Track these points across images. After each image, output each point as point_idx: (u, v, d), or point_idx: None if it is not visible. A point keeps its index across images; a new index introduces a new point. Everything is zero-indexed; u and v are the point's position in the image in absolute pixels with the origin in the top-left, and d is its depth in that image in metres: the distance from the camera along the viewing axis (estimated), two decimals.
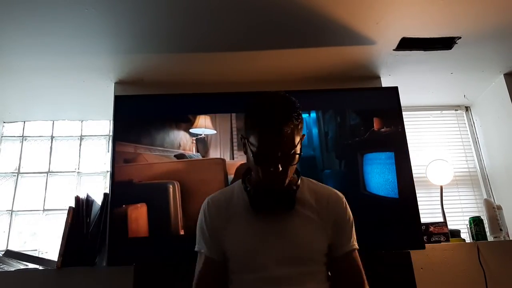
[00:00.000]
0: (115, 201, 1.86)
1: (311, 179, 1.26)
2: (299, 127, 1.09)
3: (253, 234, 1.12)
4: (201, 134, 1.73)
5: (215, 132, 1.76)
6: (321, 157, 1.70)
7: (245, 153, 1.14)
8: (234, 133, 1.79)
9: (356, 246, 1.18)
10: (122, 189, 1.85)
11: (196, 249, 1.20)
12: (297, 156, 1.08)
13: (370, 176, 1.65)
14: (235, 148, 1.76)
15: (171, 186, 1.64)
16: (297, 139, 1.07)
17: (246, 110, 1.12)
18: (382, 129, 1.62)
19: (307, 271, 1.10)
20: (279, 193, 1.12)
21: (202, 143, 1.71)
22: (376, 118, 1.67)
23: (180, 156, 1.69)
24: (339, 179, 1.59)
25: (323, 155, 1.71)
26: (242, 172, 1.23)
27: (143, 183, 1.73)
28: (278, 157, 1.04)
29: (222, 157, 1.72)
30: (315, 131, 1.74)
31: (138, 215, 1.74)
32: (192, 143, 1.71)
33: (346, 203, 1.21)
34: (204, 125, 1.75)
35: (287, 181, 1.10)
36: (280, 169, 1.05)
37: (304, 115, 1.60)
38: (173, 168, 1.70)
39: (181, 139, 1.73)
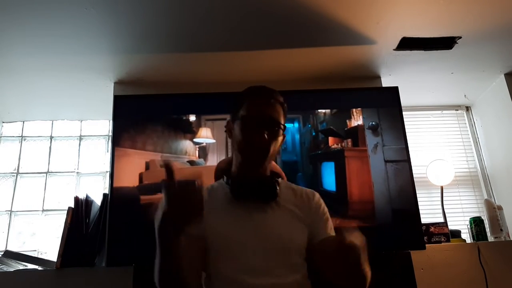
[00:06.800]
0: (115, 201, 1.87)
1: (286, 181, 1.31)
2: (284, 109, 1.20)
3: (232, 223, 1.11)
4: (202, 143, 2.07)
5: (214, 141, 2.07)
6: (301, 162, 2.10)
7: (230, 136, 1.22)
8: (229, 139, 2.04)
9: (333, 234, 1.18)
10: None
11: None
12: (281, 134, 1.17)
13: (323, 177, 2.08)
14: (229, 154, 2.02)
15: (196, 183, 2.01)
16: (281, 118, 1.17)
17: (238, 95, 1.22)
18: (333, 146, 2.09)
19: (289, 263, 1.08)
20: (260, 182, 1.14)
21: (202, 150, 2.07)
22: (330, 137, 2.09)
23: (192, 162, 2.04)
24: (308, 179, 2.09)
25: (303, 160, 2.08)
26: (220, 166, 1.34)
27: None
28: (265, 122, 1.13)
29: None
30: (297, 138, 2.12)
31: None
32: (196, 149, 2.05)
33: (321, 198, 1.25)
34: (205, 136, 2.08)
35: (269, 151, 1.13)
36: (266, 136, 1.11)
37: (289, 125, 2.02)
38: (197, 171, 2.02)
39: (187, 146, 2.05)
